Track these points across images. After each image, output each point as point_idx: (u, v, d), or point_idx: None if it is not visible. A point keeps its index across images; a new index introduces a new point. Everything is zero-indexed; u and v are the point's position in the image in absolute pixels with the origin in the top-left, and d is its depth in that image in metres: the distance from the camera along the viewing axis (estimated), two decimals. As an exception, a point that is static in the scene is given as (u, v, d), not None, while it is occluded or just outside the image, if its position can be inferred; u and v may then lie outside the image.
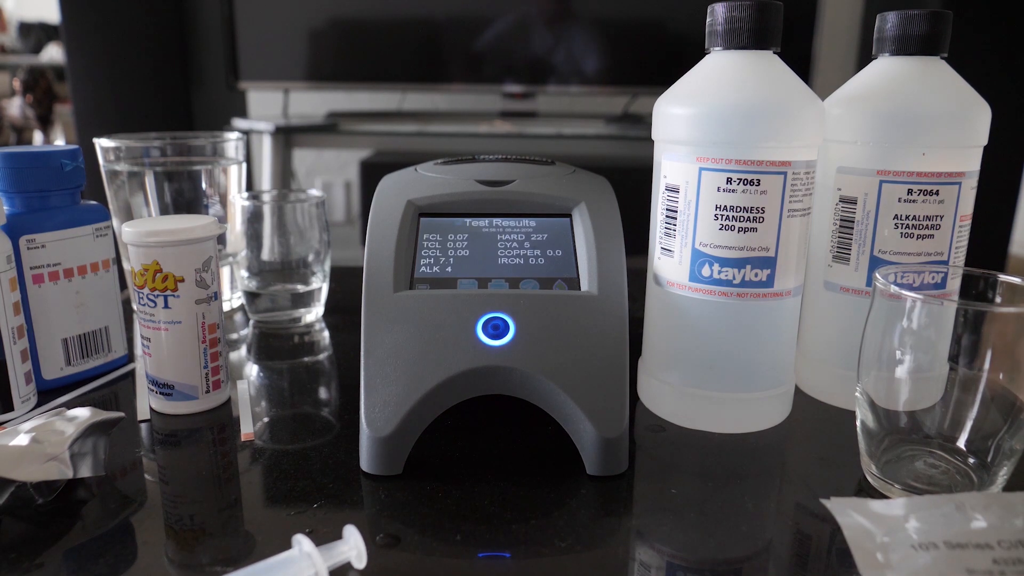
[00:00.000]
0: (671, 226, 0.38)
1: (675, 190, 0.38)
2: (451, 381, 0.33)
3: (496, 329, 0.34)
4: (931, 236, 0.39)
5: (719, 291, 0.37)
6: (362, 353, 0.34)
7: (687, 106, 0.37)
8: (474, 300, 0.34)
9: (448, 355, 0.33)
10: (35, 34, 3.21)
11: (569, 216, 0.39)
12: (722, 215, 0.36)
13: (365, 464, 0.34)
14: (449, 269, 0.36)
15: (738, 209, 0.36)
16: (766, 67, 0.37)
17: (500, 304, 0.34)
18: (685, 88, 0.38)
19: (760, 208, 0.36)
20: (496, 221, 0.39)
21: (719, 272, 0.37)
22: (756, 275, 0.37)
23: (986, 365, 0.31)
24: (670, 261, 0.39)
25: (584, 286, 0.35)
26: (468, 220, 0.39)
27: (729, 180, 0.36)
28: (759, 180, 0.36)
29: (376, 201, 0.39)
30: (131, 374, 0.47)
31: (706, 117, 0.36)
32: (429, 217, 0.39)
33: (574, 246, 0.37)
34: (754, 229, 0.36)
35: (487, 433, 0.38)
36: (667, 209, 0.38)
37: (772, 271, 0.37)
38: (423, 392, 0.33)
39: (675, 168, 0.38)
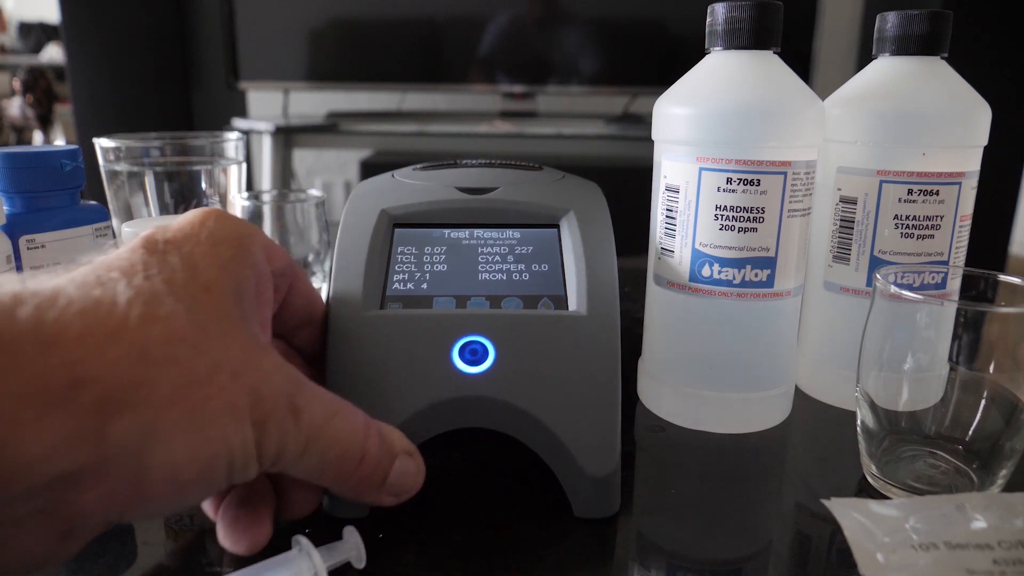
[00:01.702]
0: (671, 226, 0.38)
1: (675, 190, 0.38)
2: (422, 413, 0.30)
3: (474, 354, 0.31)
4: (931, 236, 0.39)
5: (719, 291, 0.37)
6: (326, 381, 0.30)
7: (687, 106, 0.37)
8: (450, 321, 0.31)
9: (420, 384, 0.30)
10: (35, 34, 3.22)
11: (557, 227, 0.36)
12: (722, 215, 0.36)
13: (326, 504, 0.30)
14: (425, 286, 0.33)
15: (738, 209, 0.36)
16: (766, 67, 0.37)
17: (479, 326, 0.31)
18: (685, 88, 0.38)
19: (760, 208, 0.36)
20: (477, 232, 0.36)
21: (719, 272, 0.37)
22: (756, 275, 0.37)
23: (986, 365, 0.31)
24: (670, 261, 0.39)
25: (572, 305, 0.32)
26: (447, 231, 0.36)
27: (729, 180, 0.36)
28: (759, 180, 0.36)
29: (347, 210, 0.36)
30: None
31: (706, 117, 0.36)
32: (404, 228, 0.36)
33: (561, 260, 0.35)
34: (754, 229, 0.36)
35: (463, 470, 0.35)
36: (667, 209, 0.38)
37: (772, 271, 0.37)
38: (391, 426, 0.29)
39: (675, 168, 0.38)
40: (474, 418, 0.31)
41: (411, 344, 0.31)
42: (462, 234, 0.36)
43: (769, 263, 0.37)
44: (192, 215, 0.26)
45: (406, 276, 0.34)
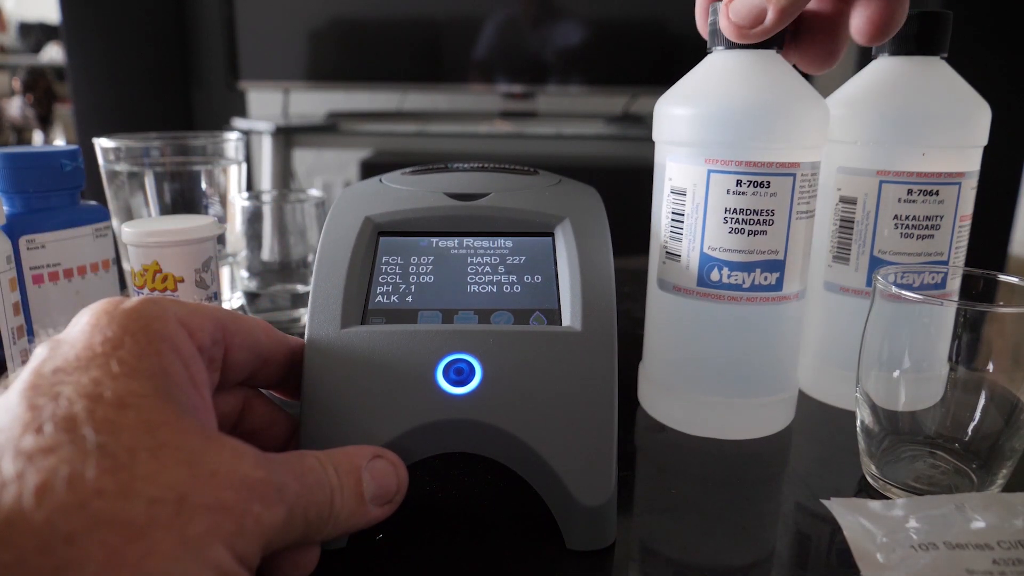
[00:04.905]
0: (677, 229, 0.38)
1: (682, 193, 0.37)
2: (404, 437, 0.28)
3: (459, 374, 0.29)
4: (931, 236, 0.39)
5: (728, 295, 0.37)
6: (301, 402, 0.29)
7: (695, 106, 0.36)
8: (434, 338, 0.29)
9: (401, 405, 0.28)
10: (35, 34, 3.22)
11: (551, 235, 0.34)
12: (731, 218, 0.36)
13: None
14: (410, 299, 0.32)
15: (748, 212, 0.36)
16: (771, 67, 0.36)
17: (465, 343, 0.29)
18: (689, 88, 0.38)
19: (770, 211, 0.36)
20: (467, 241, 0.34)
21: (728, 276, 0.37)
22: (765, 279, 0.37)
23: (986, 365, 0.31)
24: (676, 265, 0.38)
25: (566, 320, 0.30)
26: (434, 240, 0.34)
27: (739, 182, 0.35)
28: (769, 182, 0.35)
29: (331, 218, 0.34)
30: (131, 374, 0.47)
31: (716, 118, 0.35)
32: (389, 236, 0.34)
33: (556, 271, 0.33)
34: (764, 232, 0.36)
35: (447, 498, 0.32)
36: (673, 212, 0.38)
37: (781, 274, 0.37)
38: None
39: (681, 170, 0.37)
40: (459, 442, 0.29)
41: (392, 363, 0.29)
42: (450, 243, 0.34)
43: (778, 266, 0.36)
44: (83, 319, 0.22)
45: (390, 288, 0.32)
